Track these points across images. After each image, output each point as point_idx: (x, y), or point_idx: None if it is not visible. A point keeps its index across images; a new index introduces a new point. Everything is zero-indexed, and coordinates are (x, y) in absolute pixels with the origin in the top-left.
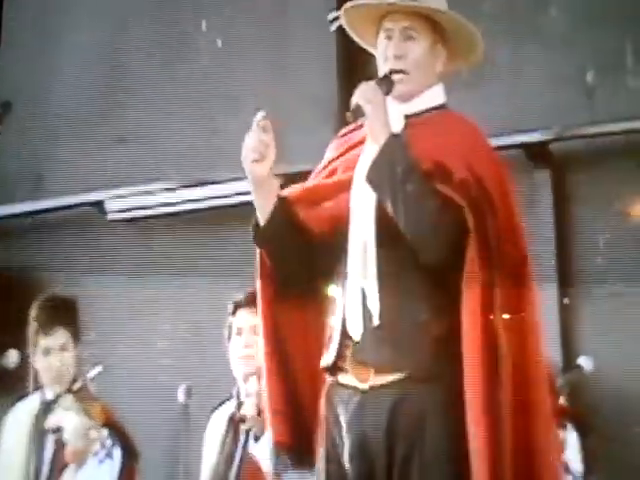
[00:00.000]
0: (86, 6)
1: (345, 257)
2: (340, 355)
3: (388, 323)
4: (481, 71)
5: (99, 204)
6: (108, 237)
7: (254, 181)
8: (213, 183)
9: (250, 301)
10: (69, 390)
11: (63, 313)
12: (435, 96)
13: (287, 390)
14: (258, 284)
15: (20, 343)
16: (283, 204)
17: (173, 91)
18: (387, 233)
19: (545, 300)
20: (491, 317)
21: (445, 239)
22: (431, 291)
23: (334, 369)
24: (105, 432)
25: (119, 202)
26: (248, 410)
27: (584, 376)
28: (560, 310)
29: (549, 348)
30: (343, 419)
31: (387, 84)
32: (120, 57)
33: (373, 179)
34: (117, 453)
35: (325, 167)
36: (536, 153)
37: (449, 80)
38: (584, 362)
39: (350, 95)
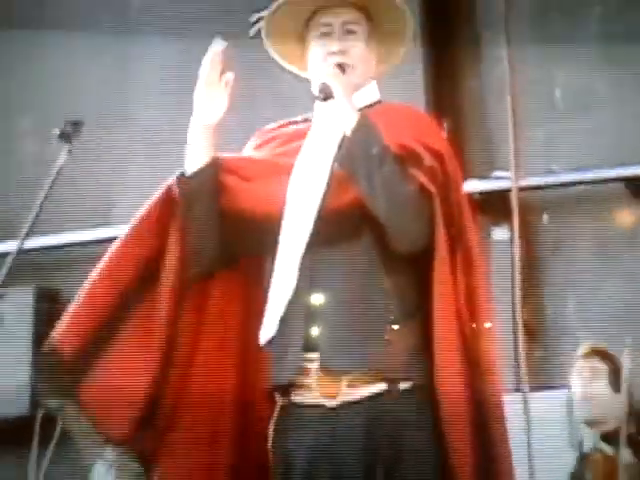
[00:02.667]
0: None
1: (275, 245)
2: (300, 371)
3: (356, 326)
4: (580, 105)
5: None
6: None
7: (199, 122)
8: None
9: None
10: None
11: None
12: (373, 92)
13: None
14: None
15: None
16: (214, 167)
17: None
18: (335, 223)
19: None
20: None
21: (421, 225)
22: (401, 286)
23: (287, 387)
24: None
25: None
26: None
27: None
28: None
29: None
30: (300, 444)
31: (341, 71)
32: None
33: (346, 161)
34: None
35: (257, 148)
36: (637, 187)
37: (547, 113)
38: None
39: (438, 115)
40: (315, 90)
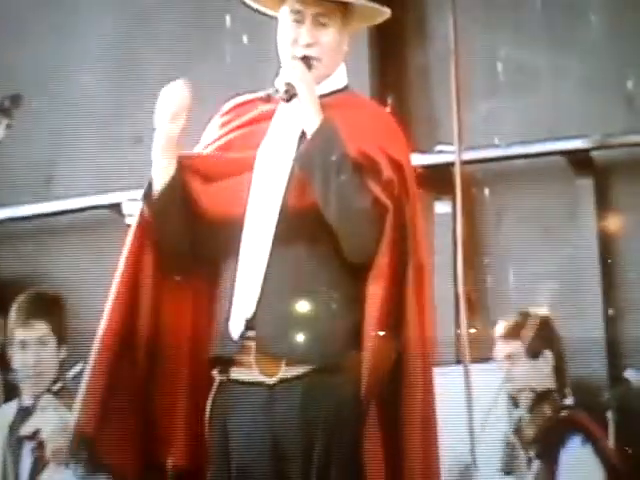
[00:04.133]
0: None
1: (238, 242)
2: (240, 348)
3: (296, 313)
4: (522, 79)
5: (116, 206)
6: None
7: (164, 140)
8: None
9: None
10: (48, 391)
11: (44, 306)
12: (340, 78)
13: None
14: (130, 249)
15: None
16: (181, 172)
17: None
18: (295, 223)
19: (589, 312)
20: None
21: (373, 237)
22: (341, 282)
23: (227, 364)
24: None
25: (137, 204)
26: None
27: (632, 390)
28: (605, 321)
29: (594, 361)
30: (238, 422)
31: (306, 64)
32: (137, 53)
33: (305, 164)
34: None
35: (217, 139)
36: (578, 160)
37: (490, 88)
38: (631, 375)
39: (382, 91)
40: (280, 88)
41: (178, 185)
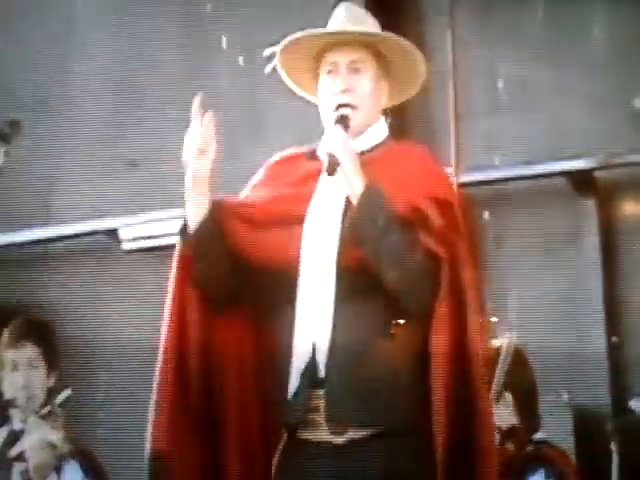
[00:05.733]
0: (96, 29)
1: (290, 293)
2: (308, 407)
3: (365, 374)
4: (523, 97)
5: (112, 232)
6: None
7: (194, 178)
8: None
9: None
10: (35, 413)
11: (36, 331)
12: (381, 130)
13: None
14: (176, 288)
15: None
16: (219, 213)
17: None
18: (352, 280)
19: (593, 339)
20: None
21: (429, 289)
22: (403, 337)
23: (297, 423)
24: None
25: (134, 229)
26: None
27: (636, 420)
28: (608, 349)
29: (597, 389)
30: None
31: (344, 124)
32: (132, 77)
33: (354, 231)
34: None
35: (265, 190)
36: (580, 181)
37: (491, 104)
38: (636, 405)
39: None
40: (323, 158)
41: (214, 226)
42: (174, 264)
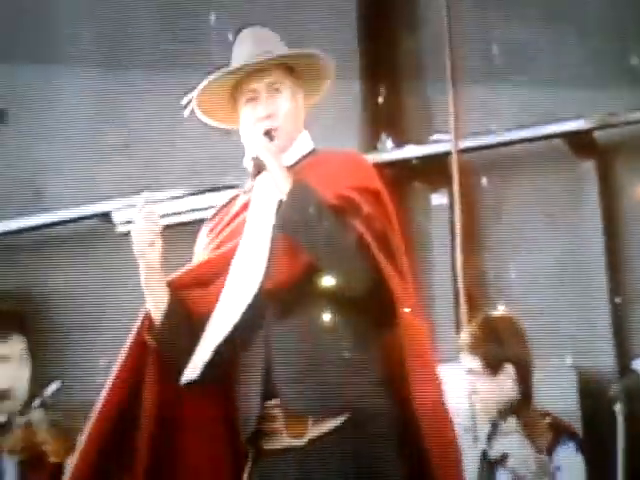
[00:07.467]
0: (86, 9)
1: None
2: (265, 417)
3: (314, 367)
4: (520, 58)
5: (106, 215)
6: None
7: (148, 269)
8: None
9: None
10: (25, 407)
11: (20, 322)
12: (305, 143)
13: None
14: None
15: None
16: (175, 296)
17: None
18: (282, 297)
19: (595, 300)
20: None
21: (362, 270)
22: (352, 326)
23: (258, 436)
24: None
25: (127, 212)
26: None
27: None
28: (612, 310)
29: (601, 352)
30: None
31: (269, 136)
32: (124, 60)
33: (286, 222)
34: None
35: (207, 245)
36: (579, 143)
37: (485, 69)
38: (639, 365)
39: (373, 93)
40: (248, 165)
41: (176, 308)
42: (131, 339)
